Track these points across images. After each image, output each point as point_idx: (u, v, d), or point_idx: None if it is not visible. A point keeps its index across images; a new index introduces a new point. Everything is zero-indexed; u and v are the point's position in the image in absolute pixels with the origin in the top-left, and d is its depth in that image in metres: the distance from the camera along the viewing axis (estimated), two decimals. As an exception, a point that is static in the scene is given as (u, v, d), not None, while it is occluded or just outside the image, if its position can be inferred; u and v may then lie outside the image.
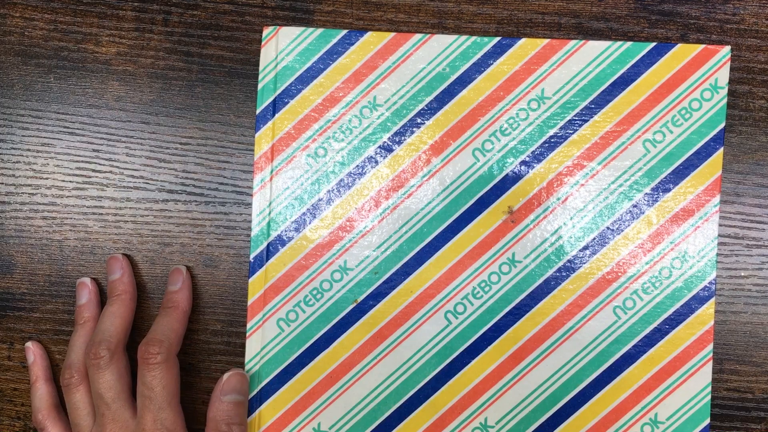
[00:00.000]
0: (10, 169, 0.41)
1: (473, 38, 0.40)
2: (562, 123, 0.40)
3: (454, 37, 0.40)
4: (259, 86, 0.40)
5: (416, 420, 0.40)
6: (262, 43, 0.40)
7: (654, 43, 0.40)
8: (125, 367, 0.38)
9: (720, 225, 0.40)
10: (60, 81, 0.41)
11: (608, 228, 0.40)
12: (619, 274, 0.39)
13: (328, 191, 0.40)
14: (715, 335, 0.40)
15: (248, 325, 0.40)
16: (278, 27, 0.40)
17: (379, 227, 0.40)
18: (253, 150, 0.41)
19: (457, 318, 0.40)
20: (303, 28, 0.40)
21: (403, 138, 0.40)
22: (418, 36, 0.40)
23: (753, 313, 0.40)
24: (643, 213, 0.39)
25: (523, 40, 0.40)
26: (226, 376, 0.39)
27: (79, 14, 0.41)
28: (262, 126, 0.40)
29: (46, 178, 0.41)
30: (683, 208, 0.39)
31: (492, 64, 0.40)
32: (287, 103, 0.40)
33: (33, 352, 0.41)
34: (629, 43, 0.40)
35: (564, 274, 0.40)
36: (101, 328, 0.38)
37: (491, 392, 0.40)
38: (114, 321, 0.39)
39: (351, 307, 0.40)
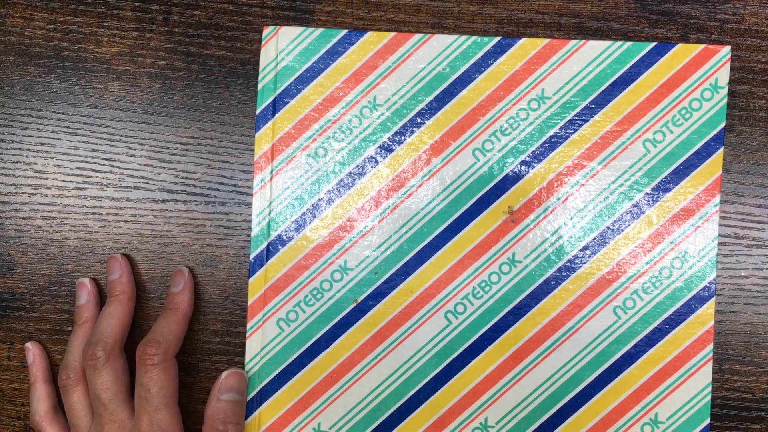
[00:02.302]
0: (10, 169, 0.41)
1: (473, 38, 0.40)
2: (562, 123, 0.40)
3: (454, 37, 0.40)
4: (259, 86, 0.40)
5: (416, 420, 0.40)
6: (262, 43, 0.40)
7: (654, 43, 0.40)
8: (122, 367, 0.38)
9: (720, 225, 0.40)
10: (60, 81, 0.41)
11: (608, 228, 0.40)
12: (619, 274, 0.39)
13: (328, 191, 0.40)
14: (715, 335, 0.40)
15: (248, 325, 0.40)
16: (278, 27, 0.40)
17: (379, 227, 0.40)
18: (253, 150, 0.41)
19: (457, 318, 0.40)
20: (303, 28, 0.40)
21: (403, 138, 0.40)
22: (418, 36, 0.40)
23: (753, 313, 0.40)
24: (644, 213, 0.39)
25: (523, 40, 0.40)
26: (224, 374, 0.39)
27: (79, 14, 0.41)
28: (262, 126, 0.40)
29: (46, 178, 0.41)
30: (683, 207, 0.39)
31: (492, 64, 0.40)
32: (287, 103, 0.40)
33: (32, 352, 0.41)
34: (629, 43, 0.40)
35: (564, 274, 0.40)
36: (98, 328, 0.38)
37: (491, 392, 0.40)
38: (111, 322, 0.39)
39: (351, 307, 0.40)
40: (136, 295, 0.40)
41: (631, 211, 0.39)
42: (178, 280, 0.40)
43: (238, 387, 0.39)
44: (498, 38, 0.40)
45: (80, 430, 0.38)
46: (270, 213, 0.40)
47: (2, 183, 0.41)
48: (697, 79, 0.39)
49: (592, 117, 0.40)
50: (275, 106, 0.40)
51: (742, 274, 0.40)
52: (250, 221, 0.41)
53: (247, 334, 0.40)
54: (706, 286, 0.39)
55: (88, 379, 0.38)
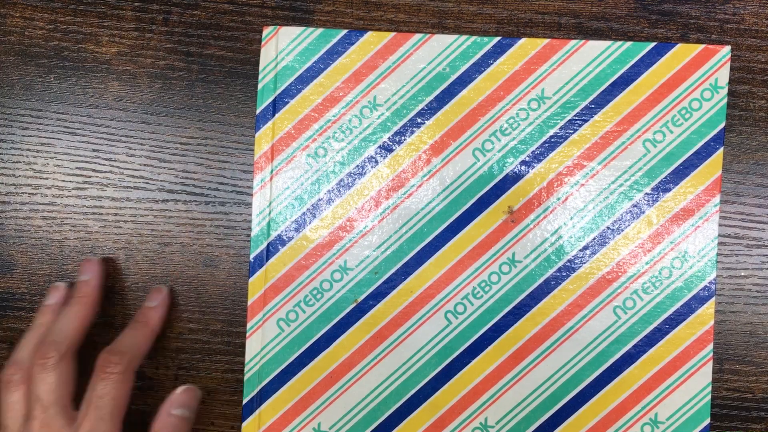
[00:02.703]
0: (10, 169, 0.41)
1: (473, 38, 0.40)
2: (562, 123, 0.40)
3: (454, 37, 0.40)
4: (259, 86, 0.40)
5: (416, 420, 0.40)
6: (262, 43, 0.40)
7: (654, 43, 0.40)
8: (71, 373, 0.37)
9: (720, 225, 0.40)
10: (60, 81, 0.41)
11: (608, 228, 0.40)
12: (619, 273, 0.39)
13: (328, 191, 0.40)
14: (715, 335, 0.40)
15: (248, 325, 0.40)
16: (278, 27, 0.40)
17: (379, 227, 0.40)
18: (253, 150, 0.41)
19: (457, 318, 0.40)
20: (303, 28, 0.40)
21: (403, 138, 0.40)
22: (418, 36, 0.40)
23: (753, 313, 0.40)
24: (643, 213, 0.39)
25: (523, 40, 0.40)
26: (179, 389, 0.38)
27: (79, 14, 0.41)
28: (262, 126, 0.40)
29: (46, 178, 0.41)
30: (683, 207, 0.39)
31: (492, 64, 0.40)
32: (287, 103, 0.40)
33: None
34: (629, 43, 0.40)
35: (564, 274, 0.40)
36: (55, 327, 0.37)
37: (491, 392, 0.40)
38: (69, 323, 0.38)
39: (351, 307, 0.40)
40: (100, 303, 0.40)
41: (631, 211, 0.39)
42: (155, 296, 0.40)
43: (191, 404, 0.38)
44: (498, 38, 0.40)
45: None
46: (270, 213, 0.40)
47: (2, 183, 0.41)
48: (697, 79, 0.39)
49: (592, 117, 0.40)
50: (275, 106, 0.40)
51: (742, 274, 0.40)
52: (250, 221, 0.41)
53: (247, 334, 0.40)
54: (706, 286, 0.39)
55: (34, 378, 0.36)
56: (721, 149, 0.39)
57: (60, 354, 0.36)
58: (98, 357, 0.36)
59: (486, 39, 0.40)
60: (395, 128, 0.40)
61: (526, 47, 0.40)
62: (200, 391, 0.39)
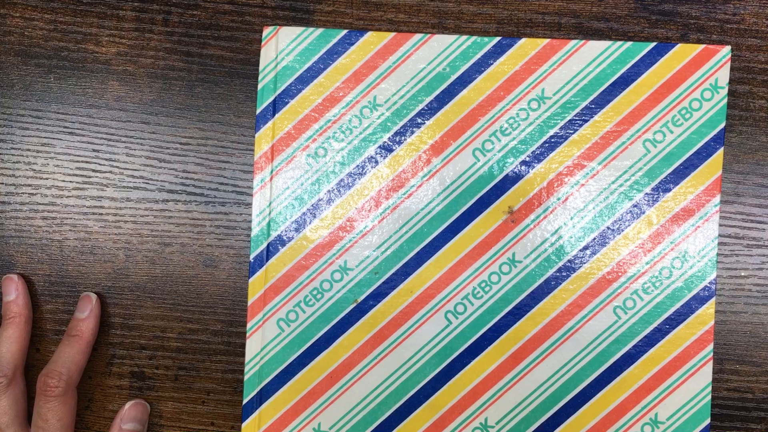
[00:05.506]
0: (10, 169, 0.41)
1: (473, 38, 0.40)
2: (562, 123, 0.40)
3: (454, 37, 0.40)
4: (259, 86, 0.40)
5: (416, 420, 0.40)
6: (262, 43, 0.40)
7: (654, 43, 0.40)
8: (22, 392, 0.39)
9: (720, 225, 0.40)
10: (60, 81, 0.41)
11: (608, 228, 0.40)
12: (620, 274, 0.39)
13: (328, 191, 0.40)
14: (715, 335, 0.40)
15: (248, 325, 0.40)
16: (278, 27, 0.40)
17: (379, 227, 0.40)
18: (253, 150, 0.41)
19: (457, 318, 0.40)
20: (303, 28, 0.40)
21: (403, 138, 0.40)
22: (418, 36, 0.40)
23: (753, 313, 0.40)
24: (644, 213, 0.39)
25: (523, 40, 0.40)
26: (128, 404, 0.40)
27: (79, 14, 0.41)
28: (262, 126, 0.40)
29: (46, 178, 0.41)
30: (683, 208, 0.39)
31: (492, 64, 0.40)
32: (287, 103, 0.40)
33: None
34: (629, 43, 0.40)
35: (564, 274, 0.40)
36: None
37: (491, 392, 0.40)
38: (10, 347, 0.39)
39: (351, 307, 0.40)
40: (32, 317, 0.40)
41: (631, 211, 0.39)
42: (84, 305, 0.40)
43: (141, 418, 0.40)
44: (498, 38, 0.40)
45: None
46: (270, 213, 0.40)
47: (2, 183, 0.41)
48: (697, 79, 0.39)
49: (592, 117, 0.40)
50: (275, 106, 0.40)
51: (742, 274, 0.40)
52: (250, 221, 0.41)
53: (247, 334, 0.40)
54: (706, 286, 0.39)
55: None
56: (721, 149, 0.39)
57: (8, 379, 0.38)
58: (38, 379, 0.38)
59: (486, 39, 0.40)
60: (395, 128, 0.40)
61: (526, 47, 0.40)
62: (147, 405, 0.41)
